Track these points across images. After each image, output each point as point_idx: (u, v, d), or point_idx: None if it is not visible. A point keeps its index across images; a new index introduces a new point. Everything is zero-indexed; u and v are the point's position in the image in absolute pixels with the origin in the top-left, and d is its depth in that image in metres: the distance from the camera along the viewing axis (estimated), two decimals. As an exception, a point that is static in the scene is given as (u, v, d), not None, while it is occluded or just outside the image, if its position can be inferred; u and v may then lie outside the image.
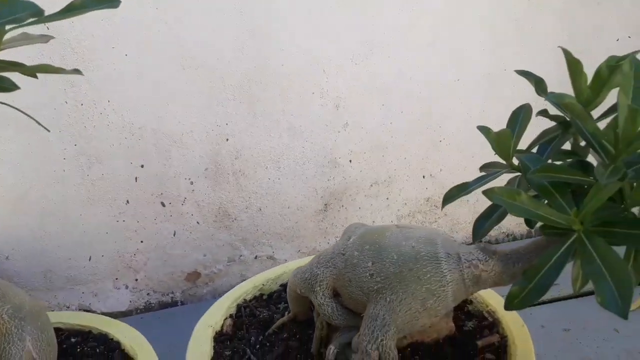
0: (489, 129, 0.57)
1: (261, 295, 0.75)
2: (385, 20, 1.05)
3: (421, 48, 1.09)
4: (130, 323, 1.03)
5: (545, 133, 0.57)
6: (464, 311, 0.70)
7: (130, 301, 1.09)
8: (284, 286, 0.77)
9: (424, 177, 1.21)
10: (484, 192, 0.49)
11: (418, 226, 0.61)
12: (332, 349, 0.58)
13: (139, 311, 1.10)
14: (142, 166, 1.01)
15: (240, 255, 1.14)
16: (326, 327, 0.63)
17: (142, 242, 1.06)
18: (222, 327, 0.67)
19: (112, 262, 1.05)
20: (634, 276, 0.47)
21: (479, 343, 0.63)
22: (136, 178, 1.01)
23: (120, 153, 0.98)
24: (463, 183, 0.58)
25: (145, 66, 0.95)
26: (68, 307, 1.06)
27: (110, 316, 1.08)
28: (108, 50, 0.92)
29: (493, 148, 0.56)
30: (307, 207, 1.15)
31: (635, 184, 0.49)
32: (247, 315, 0.70)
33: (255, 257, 1.15)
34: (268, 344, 0.65)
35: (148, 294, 1.10)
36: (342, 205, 1.17)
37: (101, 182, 0.99)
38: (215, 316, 0.68)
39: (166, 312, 1.10)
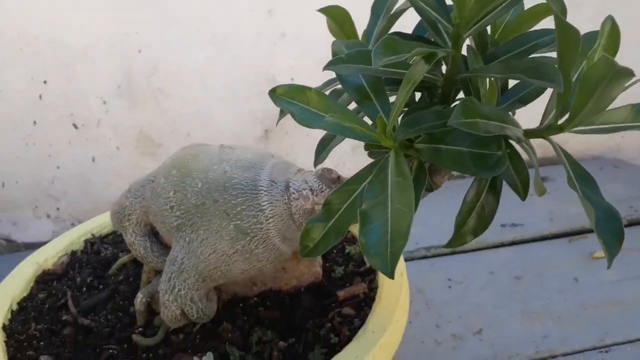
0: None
1: (115, 231, 0.63)
2: None
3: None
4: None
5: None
6: (343, 253, 0.56)
7: (53, 231, 1.02)
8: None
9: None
10: (269, 93, 0.34)
11: (250, 147, 0.46)
12: (139, 297, 0.47)
13: (64, 242, 1.03)
14: (44, 82, 0.90)
15: (173, 186, 1.03)
16: (154, 271, 0.51)
17: (58, 167, 0.97)
18: (53, 264, 0.57)
19: (29, 189, 0.97)
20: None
21: (340, 294, 0.49)
22: (40, 96, 0.90)
23: (18, 67, 0.87)
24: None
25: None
26: (-13, 235, 1.00)
27: (33, 247, 1.02)
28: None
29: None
30: (244, 134, 1.01)
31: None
32: (91, 253, 0.59)
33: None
34: (101, 286, 0.55)
35: (72, 224, 1.02)
36: (286, 132, 1.02)
37: (1, 101, 0.89)
38: (49, 252, 0.57)
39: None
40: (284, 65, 0.96)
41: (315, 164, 0.43)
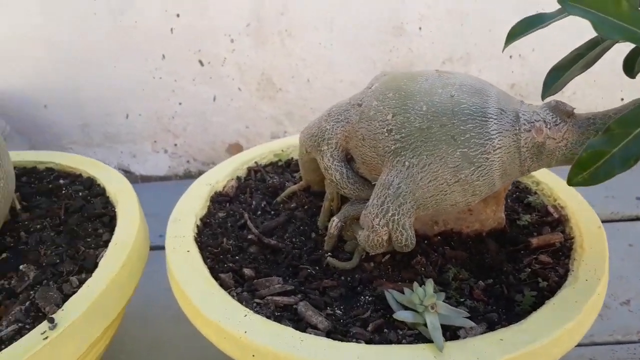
0: None
1: (278, 161, 0.64)
2: None
3: None
4: (165, 187, 1.01)
5: None
6: (522, 203, 0.54)
7: (169, 167, 1.04)
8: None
9: (511, 57, 0.99)
10: (559, 1, 0.31)
11: (468, 74, 0.44)
12: (335, 221, 0.47)
13: (178, 177, 1.06)
14: (177, 15, 0.90)
15: (285, 132, 1.03)
16: (337, 198, 0.51)
17: (180, 104, 0.98)
18: (223, 187, 0.58)
19: (150, 122, 0.99)
20: None
21: (534, 241, 0.48)
22: (172, 29, 0.91)
23: (153, -2, 0.88)
24: (538, 14, 0.40)
25: None
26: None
27: (149, 180, 1.05)
28: None
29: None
30: (362, 82, 0.98)
31: None
32: (256, 180, 0.60)
33: (302, 135, 1.04)
34: (272, 211, 0.55)
35: (188, 161, 1.05)
36: (406, 84, 1.00)
37: (134, 31, 0.90)
38: (218, 175, 0.58)
39: (204, 181, 1.04)
40: (413, 13, 0.93)
41: (544, 96, 0.41)
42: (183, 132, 1.01)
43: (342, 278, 0.45)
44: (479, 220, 0.50)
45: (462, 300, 0.43)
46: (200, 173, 1.06)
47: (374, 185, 0.47)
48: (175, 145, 1.03)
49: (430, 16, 0.93)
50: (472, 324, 0.39)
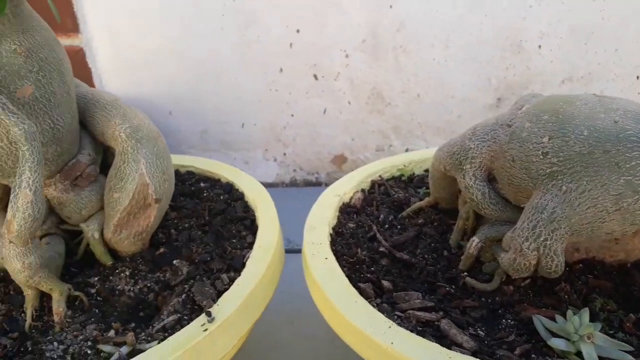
0: None
1: (400, 176, 0.64)
2: None
3: None
4: (273, 194, 1.05)
5: None
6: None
7: (277, 174, 1.09)
8: (428, 172, 0.65)
9: (638, 77, 0.93)
10: None
11: (629, 100, 0.42)
12: (475, 242, 0.47)
13: (284, 185, 1.10)
14: (297, 31, 0.94)
15: (390, 145, 1.04)
16: (472, 218, 0.51)
17: (292, 115, 1.02)
18: (350, 199, 0.59)
19: (264, 132, 1.04)
20: None
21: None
22: (291, 44, 0.95)
23: (276, 14, 0.92)
24: None
25: None
26: (221, 170, 1.10)
27: (257, 185, 1.10)
28: None
29: None
30: (475, 99, 0.98)
31: None
32: (380, 193, 0.61)
33: (407, 150, 1.04)
34: (399, 225, 0.56)
35: (294, 170, 1.09)
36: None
37: (257, 45, 0.95)
38: (345, 187, 0.60)
39: (309, 189, 1.08)
40: (533, 31, 0.90)
41: None
42: (292, 142, 1.05)
43: (483, 299, 0.45)
44: (625, 250, 0.47)
45: (611, 332, 0.41)
46: (305, 182, 1.10)
47: (515, 206, 0.47)
48: (284, 154, 1.07)
49: (551, 34, 0.90)
50: (632, 358, 0.37)
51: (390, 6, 0.91)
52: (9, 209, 0.40)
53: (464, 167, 0.47)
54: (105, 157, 0.52)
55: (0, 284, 0.48)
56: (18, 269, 0.43)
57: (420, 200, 0.58)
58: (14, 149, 0.42)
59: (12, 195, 0.40)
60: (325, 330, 0.44)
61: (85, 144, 0.48)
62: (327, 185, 1.10)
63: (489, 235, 0.46)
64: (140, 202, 0.47)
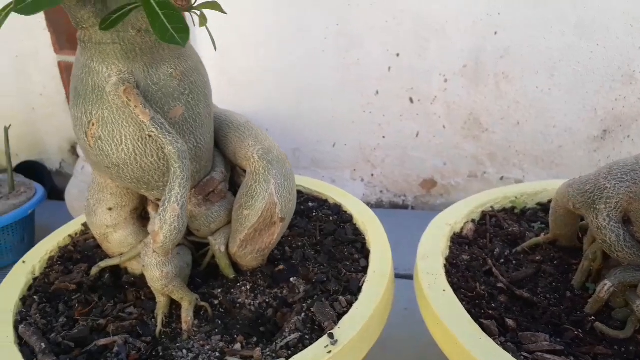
0: None
1: (512, 208, 0.63)
2: None
3: None
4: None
5: None
6: None
7: (364, 194, 1.09)
8: (542, 206, 0.63)
9: None
10: None
11: None
12: (607, 285, 0.44)
13: (370, 206, 1.10)
14: (397, 55, 0.95)
15: (484, 173, 1.02)
16: (600, 259, 0.48)
17: (384, 137, 1.03)
18: (461, 229, 0.58)
19: (353, 152, 1.06)
20: None
21: None
22: (389, 67, 0.96)
23: (377, 37, 0.94)
24: None
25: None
26: (309, 187, 1.12)
27: (343, 204, 1.11)
28: None
29: None
30: (578, 130, 0.94)
31: None
32: (492, 225, 0.60)
33: (501, 178, 1.02)
34: (515, 261, 0.54)
35: (381, 191, 1.09)
36: (628, 136, 0.92)
37: (355, 68, 0.97)
38: (455, 216, 0.59)
39: (396, 212, 1.07)
40: (649, 61, 0.86)
41: None
42: (381, 164, 1.06)
43: (615, 347, 0.42)
44: None
45: None
46: (391, 204, 1.10)
47: (653, 252, 0.44)
48: (372, 175, 1.07)
49: (669, 65, 0.85)
50: None
51: (495, 32, 0.89)
52: (157, 221, 0.43)
53: (598, 207, 0.45)
54: (231, 176, 0.54)
55: (132, 288, 0.52)
56: (157, 277, 0.46)
57: (537, 235, 0.56)
58: (162, 165, 0.45)
59: (161, 209, 0.43)
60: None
61: (218, 162, 0.51)
62: (413, 208, 1.09)
63: (623, 280, 0.44)
64: (267, 220, 0.49)
